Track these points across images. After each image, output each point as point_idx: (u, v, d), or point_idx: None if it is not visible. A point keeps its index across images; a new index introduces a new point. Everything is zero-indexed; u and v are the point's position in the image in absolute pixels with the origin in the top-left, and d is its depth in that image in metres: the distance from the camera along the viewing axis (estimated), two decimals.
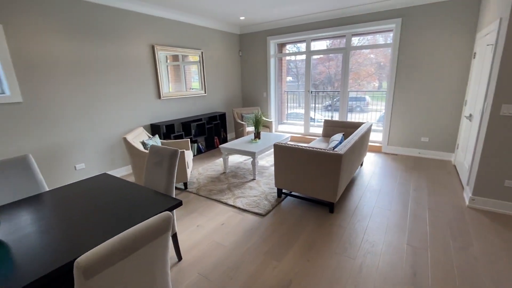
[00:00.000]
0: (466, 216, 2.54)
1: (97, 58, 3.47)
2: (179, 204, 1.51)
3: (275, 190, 3.18)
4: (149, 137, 3.68)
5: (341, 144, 2.83)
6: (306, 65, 5.43)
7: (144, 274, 0.95)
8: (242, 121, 5.48)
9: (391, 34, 4.41)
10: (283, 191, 3.12)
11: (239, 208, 2.82)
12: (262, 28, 5.60)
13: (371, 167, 4.00)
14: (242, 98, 6.36)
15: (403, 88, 4.34)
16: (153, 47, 4.14)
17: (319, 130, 5.84)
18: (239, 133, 5.36)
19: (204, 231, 2.42)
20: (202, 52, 5.01)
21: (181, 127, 4.83)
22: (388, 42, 4.61)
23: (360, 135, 3.14)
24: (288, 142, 4.37)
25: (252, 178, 3.61)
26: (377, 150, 4.83)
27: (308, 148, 2.59)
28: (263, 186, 3.33)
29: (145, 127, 4.21)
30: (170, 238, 2.19)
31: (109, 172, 3.81)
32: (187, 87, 5.00)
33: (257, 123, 4.06)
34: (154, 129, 4.24)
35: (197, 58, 4.98)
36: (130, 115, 3.97)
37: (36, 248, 1.12)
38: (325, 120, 4.35)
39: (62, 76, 3.17)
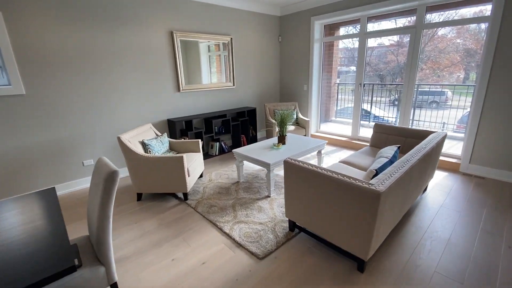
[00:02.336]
0: None
1: (107, 47, 3.18)
2: (56, 276, 0.94)
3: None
4: (157, 135, 3.28)
5: (390, 167, 1.87)
6: (360, 51, 4.29)
7: None
8: (274, 118, 4.72)
9: (488, 7, 2.98)
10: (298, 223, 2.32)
11: (233, 240, 2.16)
12: (305, 7, 4.64)
13: (439, 195, 2.82)
14: (280, 92, 5.56)
15: (504, 82, 2.93)
16: (171, 34, 3.70)
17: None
18: (269, 133, 4.63)
19: (176, 271, 1.85)
20: (231, 38, 4.39)
21: (203, 124, 4.36)
22: (483, 15, 3.17)
23: (423, 155, 2.09)
24: (322, 150, 3.42)
25: (266, 194, 2.89)
26: (451, 168, 3.50)
27: (329, 174, 1.73)
28: (276, 209, 2.58)
29: (160, 124, 3.86)
30: None
31: (120, 170, 3.58)
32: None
33: (282, 123, 3.26)
34: (171, 125, 3.85)
35: (223, 40, 4.38)
36: (144, 110, 3.65)
37: None
38: (375, 124, 3.27)
39: (69, 66, 2.96)
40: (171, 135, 3.93)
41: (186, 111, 4.12)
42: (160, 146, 3.06)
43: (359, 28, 4.45)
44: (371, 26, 4.18)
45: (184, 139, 3.85)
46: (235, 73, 4.65)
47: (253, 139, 4.94)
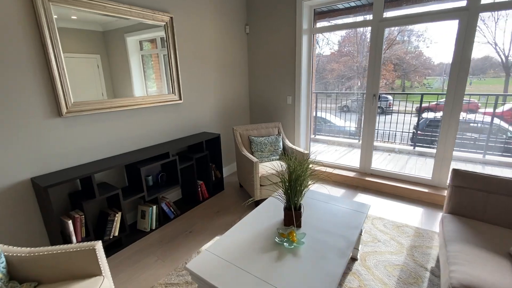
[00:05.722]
0: None
1: None
2: None
3: None
4: None
5: None
6: (373, 47, 2.86)
7: None
8: (251, 151, 2.97)
9: None
10: None
11: None
12: None
13: None
14: (250, 107, 3.84)
15: None
16: None
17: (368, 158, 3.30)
18: (242, 173, 2.82)
19: None
20: (171, 18, 2.51)
21: (123, 176, 2.33)
22: None
23: None
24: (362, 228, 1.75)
25: None
26: None
27: None
28: None
29: (13, 192, 1.72)
30: None
31: None
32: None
33: (295, 188, 1.51)
34: (40, 193, 1.73)
35: (159, 31, 2.47)
36: None
37: None
38: (455, 172, 1.78)
39: None
40: (44, 217, 1.82)
41: (80, 155, 2.04)
42: None
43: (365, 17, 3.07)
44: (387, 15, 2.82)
45: (74, 218, 1.78)
46: (182, 79, 2.76)
47: (217, 186, 3.08)
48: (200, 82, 2.97)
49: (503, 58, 5.20)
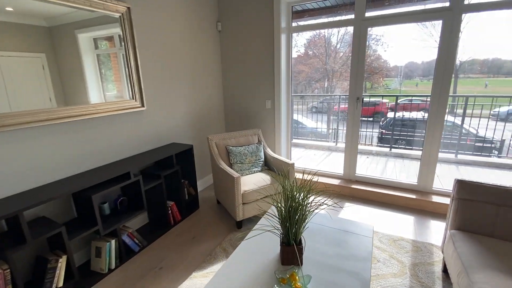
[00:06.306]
0: None
1: None
2: None
3: None
4: None
5: None
6: (356, 48, 2.70)
7: None
8: (229, 163, 2.62)
9: None
10: None
11: None
12: None
13: None
14: (225, 113, 3.48)
15: None
16: None
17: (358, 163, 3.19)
18: (224, 196, 2.46)
19: None
20: (128, 9, 2.07)
21: (70, 207, 1.84)
22: None
23: None
24: None
25: None
26: None
27: None
28: None
29: None
30: None
31: None
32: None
33: (294, 218, 1.21)
34: None
35: (116, 28, 2.02)
36: None
37: None
38: (459, 183, 1.62)
39: None
40: None
41: (4, 184, 1.53)
42: None
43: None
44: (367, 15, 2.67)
45: None
46: (144, 83, 2.32)
47: (192, 204, 2.68)
48: (166, 85, 2.55)
49: None
